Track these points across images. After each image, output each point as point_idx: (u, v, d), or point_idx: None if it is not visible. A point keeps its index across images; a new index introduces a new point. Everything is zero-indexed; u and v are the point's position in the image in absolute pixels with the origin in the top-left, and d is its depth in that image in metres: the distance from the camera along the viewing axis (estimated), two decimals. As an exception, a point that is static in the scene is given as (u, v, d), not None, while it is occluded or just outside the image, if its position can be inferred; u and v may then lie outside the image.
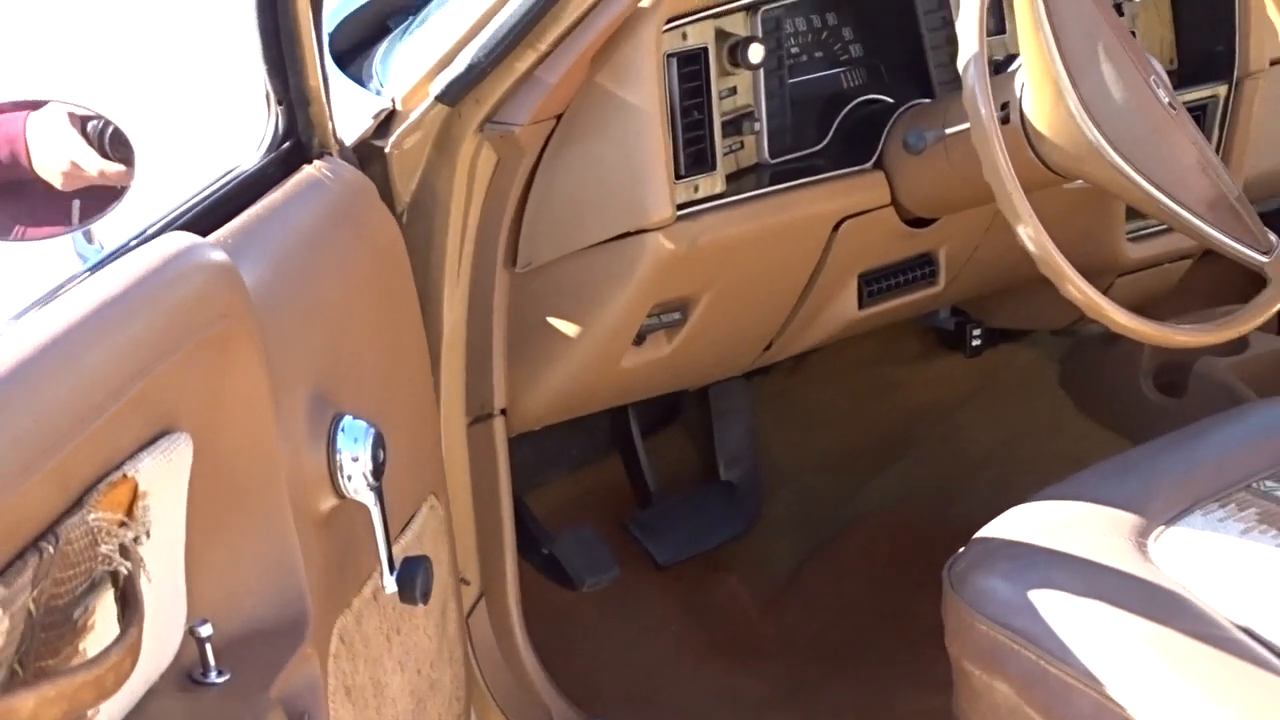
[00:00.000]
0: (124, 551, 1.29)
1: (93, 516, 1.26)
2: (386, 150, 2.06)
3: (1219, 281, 2.78)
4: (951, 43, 2.40)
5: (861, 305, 2.46)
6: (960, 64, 2.01)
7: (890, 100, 2.38)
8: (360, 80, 2.20)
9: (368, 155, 2.06)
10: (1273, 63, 2.63)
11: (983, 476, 2.97)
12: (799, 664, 2.72)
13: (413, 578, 1.73)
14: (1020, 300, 2.83)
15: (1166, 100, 2.13)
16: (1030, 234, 2.00)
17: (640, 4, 2.03)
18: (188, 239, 1.47)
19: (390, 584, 1.72)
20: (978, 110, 1.99)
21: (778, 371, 2.65)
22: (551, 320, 2.22)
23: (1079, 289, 2.03)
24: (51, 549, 1.21)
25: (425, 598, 1.74)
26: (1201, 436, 2.17)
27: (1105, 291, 2.51)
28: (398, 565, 1.73)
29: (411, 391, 2.00)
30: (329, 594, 1.67)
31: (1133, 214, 2.58)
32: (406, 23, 2.32)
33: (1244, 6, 2.57)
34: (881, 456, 3.05)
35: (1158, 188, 2.06)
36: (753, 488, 2.96)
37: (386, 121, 2.08)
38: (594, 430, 2.73)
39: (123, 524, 1.31)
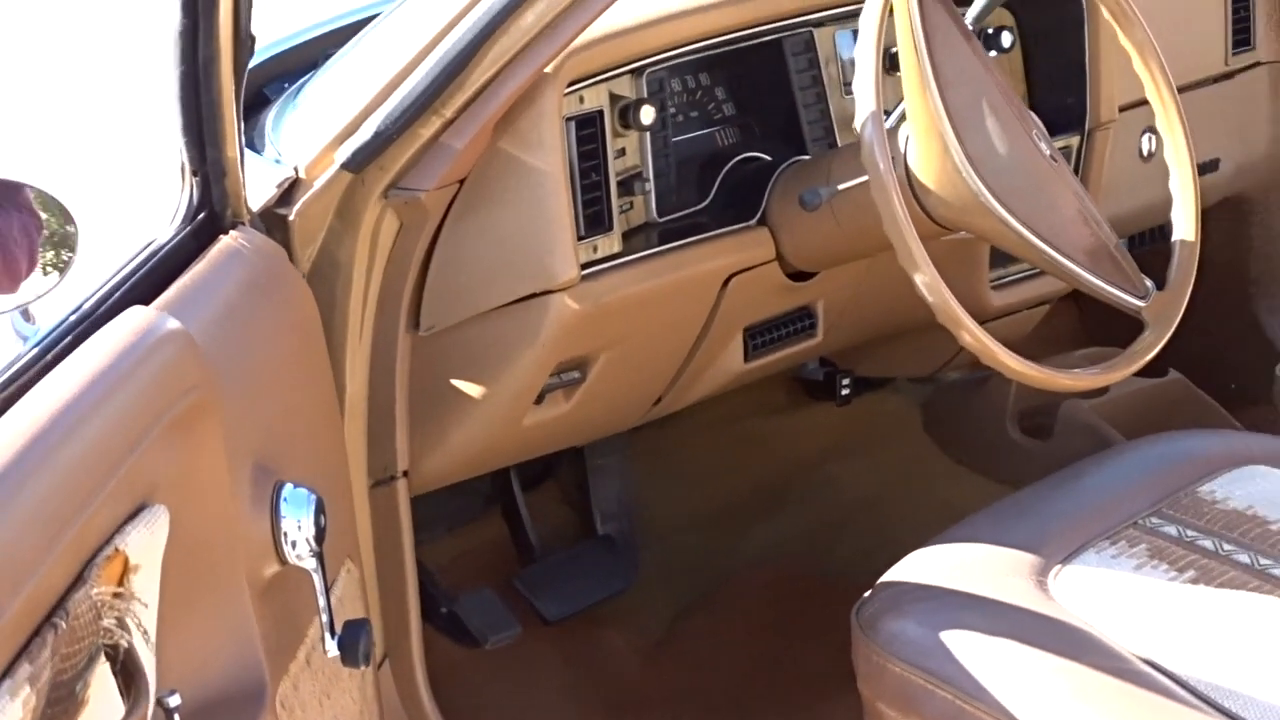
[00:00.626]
0: (121, 624, 1.31)
1: (95, 591, 1.27)
2: (290, 218, 2.07)
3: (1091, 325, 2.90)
4: (822, 100, 2.49)
5: (747, 358, 2.51)
6: (857, 121, 2.06)
7: (768, 158, 2.44)
8: (250, 148, 2.20)
9: (270, 224, 2.07)
10: (1121, 109, 2.73)
11: (856, 525, 3.03)
12: (682, 716, 2.76)
13: (355, 641, 1.74)
14: (887, 349, 2.90)
15: (1048, 153, 2.21)
16: (928, 282, 2.06)
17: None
18: (152, 314, 1.48)
19: (332, 648, 1.74)
20: (876, 165, 2.05)
21: (649, 427, 2.69)
22: (455, 382, 2.24)
23: (974, 335, 2.10)
24: (64, 624, 1.22)
25: (368, 660, 1.75)
26: (1084, 477, 2.25)
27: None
28: (338, 629, 1.75)
29: (328, 456, 2.02)
30: (272, 661, 1.68)
31: (995, 263, 2.66)
32: (289, 91, 2.33)
33: (1094, 60, 2.67)
34: (756, 509, 3.10)
35: (1040, 238, 2.14)
36: (631, 542, 3.00)
37: (289, 190, 2.08)
38: (471, 490, 2.75)
39: (117, 596, 1.32)
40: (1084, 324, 3.40)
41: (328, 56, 2.34)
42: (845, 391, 3.02)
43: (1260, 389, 3.18)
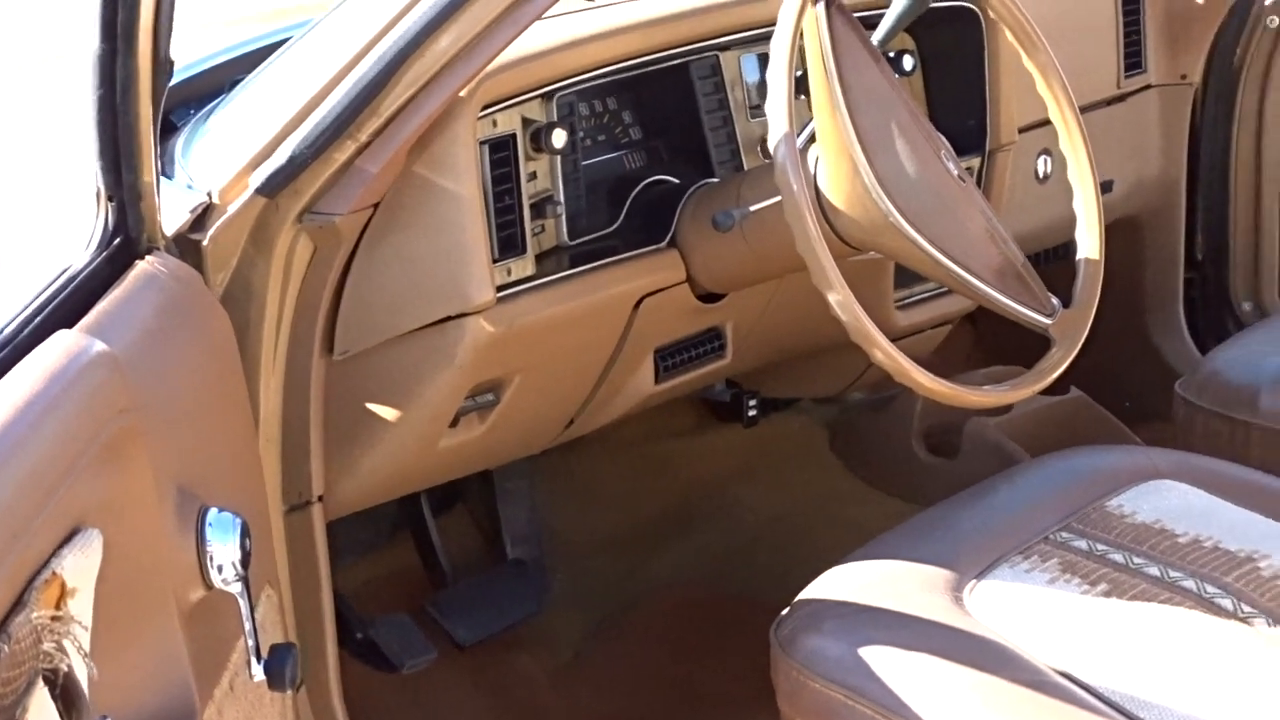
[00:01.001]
0: (60, 648, 1.30)
1: (34, 615, 1.26)
2: (204, 244, 2.06)
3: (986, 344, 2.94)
4: (728, 124, 2.51)
5: (658, 380, 2.52)
6: (771, 142, 2.08)
7: (676, 181, 2.46)
8: (161, 174, 2.19)
9: (183, 249, 2.06)
10: (1021, 130, 2.78)
11: (764, 545, 3.05)
12: (593, 739, 2.77)
13: (282, 665, 1.74)
14: (793, 370, 2.92)
15: (956, 173, 2.24)
16: (841, 301, 2.08)
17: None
18: (80, 338, 1.48)
19: (258, 672, 1.73)
20: (790, 185, 2.07)
21: (557, 450, 2.70)
22: (370, 406, 2.24)
23: (887, 353, 2.12)
24: (5, 648, 1.21)
25: (294, 684, 1.75)
26: (994, 494, 2.28)
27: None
28: (263, 654, 1.74)
29: (248, 481, 2.01)
30: (198, 687, 1.68)
31: (899, 283, 2.69)
32: (198, 116, 2.33)
33: (994, 83, 2.71)
34: (664, 531, 3.11)
35: (950, 258, 2.17)
36: (541, 566, 3.00)
37: (203, 215, 2.07)
38: (380, 515, 2.75)
39: (56, 619, 1.31)
40: (979, 344, 3.45)
41: (234, 83, 2.33)
42: (752, 413, 3.04)
43: (1156, 406, 3.23)
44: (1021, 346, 2.64)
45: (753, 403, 3.04)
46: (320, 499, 2.25)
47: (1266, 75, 3.45)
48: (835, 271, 2.07)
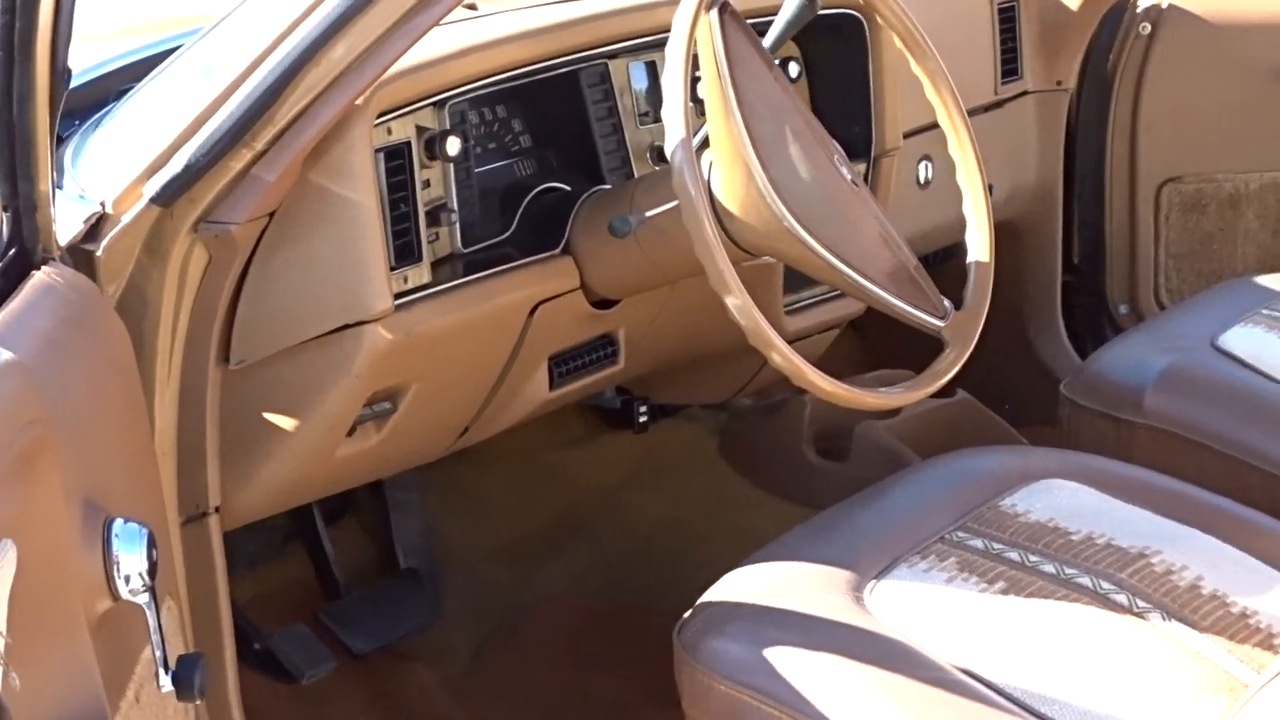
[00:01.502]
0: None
1: (-48, 627, 1.25)
2: (97, 254, 2.04)
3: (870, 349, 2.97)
4: (617, 131, 2.52)
5: (552, 386, 2.52)
6: (668, 148, 2.09)
7: (567, 188, 2.47)
8: (49, 183, 2.17)
9: (75, 260, 2.04)
10: (906, 135, 2.81)
11: (656, 552, 3.06)
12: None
13: (190, 675, 1.72)
14: (682, 376, 2.94)
15: (849, 178, 2.26)
16: (739, 305, 2.09)
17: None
18: (-8, 349, 1.46)
19: (166, 683, 1.72)
20: (688, 190, 2.08)
21: (448, 460, 2.69)
22: (267, 416, 2.22)
23: (785, 356, 2.13)
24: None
25: (203, 693, 1.73)
26: (890, 495, 2.30)
27: (765, 363, 2.65)
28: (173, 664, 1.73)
29: (150, 492, 1.99)
30: (107, 699, 1.66)
31: (787, 288, 2.71)
32: (86, 126, 2.30)
33: (879, 89, 2.74)
34: (556, 539, 3.11)
35: (843, 261, 2.19)
36: (434, 575, 3.00)
37: (96, 225, 2.05)
38: (272, 526, 2.73)
39: (-27, 632, 1.29)
40: (863, 349, 3.48)
41: (121, 93, 2.31)
42: (642, 419, 3.05)
43: (1036, 408, 3.27)
44: (906, 351, 2.68)
45: (643, 409, 3.04)
46: (217, 510, 2.23)
47: (1140, 80, 3.51)
48: (733, 276, 2.08)
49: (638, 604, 2.88)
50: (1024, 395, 3.37)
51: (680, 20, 2.11)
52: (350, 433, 2.29)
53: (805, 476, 3.08)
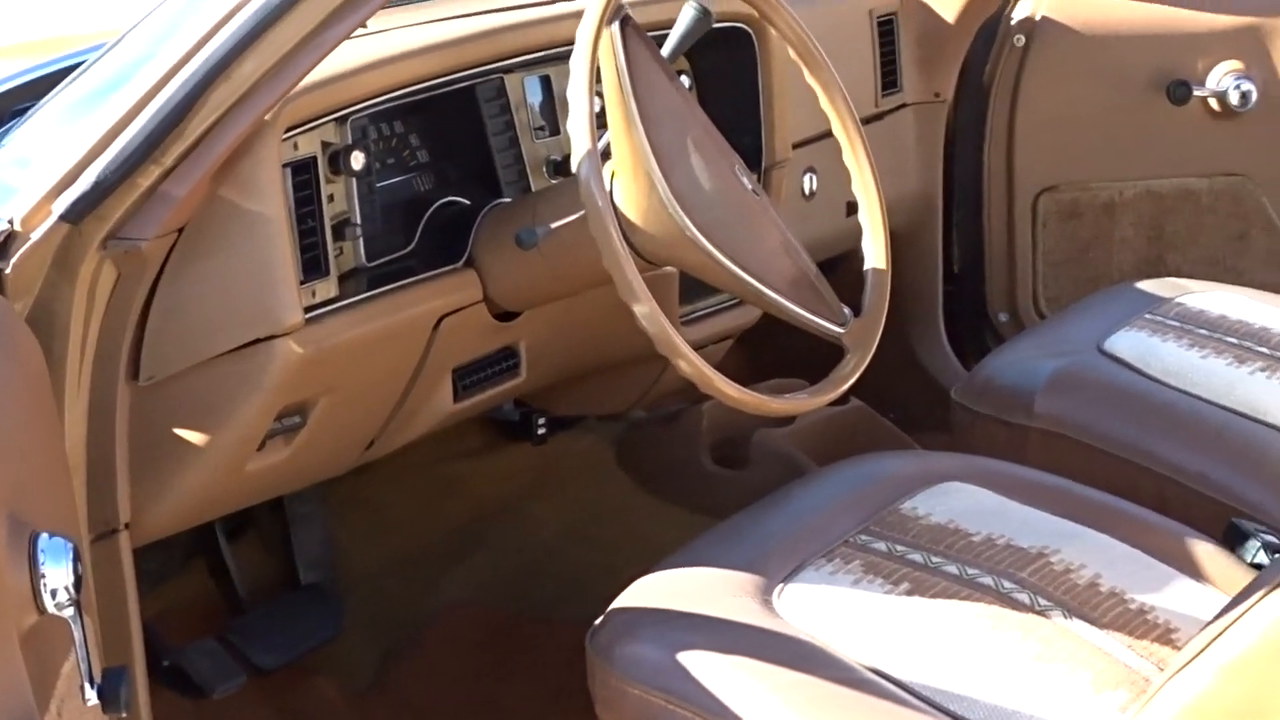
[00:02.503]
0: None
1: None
2: (5, 271, 2.03)
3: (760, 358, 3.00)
4: (515, 145, 2.54)
5: (456, 399, 2.54)
6: (574, 160, 2.12)
7: (467, 202, 2.48)
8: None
9: None
10: (797, 145, 2.85)
11: (558, 562, 3.07)
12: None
13: (116, 688, 1.72)
14: (580, 388, 2.96)
15: (750, 187, 2.29)
16: (647, 313, 2.11)
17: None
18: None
19: (92, 697, 1.72)
20: (595, 200, 2.10)
21: (346, 474, 2.70)
22: (178, 431, 2.22)
23: (692, 364, 2.16)
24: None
25: (129, 707, 1.73)
26: (793, 500, 2.33)
27: (662, 373, 2.69)
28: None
29: (69, 506, 1.99)
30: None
31: (683, 299, 2.74)
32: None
33: (768, 101, 2.78)
34: (457, 550, 3.12)
35: (745, 270, 2.22)
36: (336, 589, 3.00)
37: (4, 242, 2.04)
38: (173, 543, 2.72)
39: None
40: (748, 360, 3.51)
41: (18, 112, 2.30)
42: (541, 431, 3.06)
43: (923, 416, 3.33)
44: (792, 361, 2.72)
45: (542, 421, 3.06)
46: (127, 526, 2.23)
47: (1015, 91, 3.57)
48: (641, 284, 2.11)
49: (541, 614, 2.89)
50: (909, 404, 3.42)
51: (583, 33, 2.13)
52: (260, 447, 2.29)
53: (703, 485, 3.11)
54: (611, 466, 3.24)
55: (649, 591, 2.15)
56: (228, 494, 2.36)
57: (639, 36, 2.21)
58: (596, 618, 2.13)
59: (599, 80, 2.16)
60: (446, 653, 2.94)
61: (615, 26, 2.15)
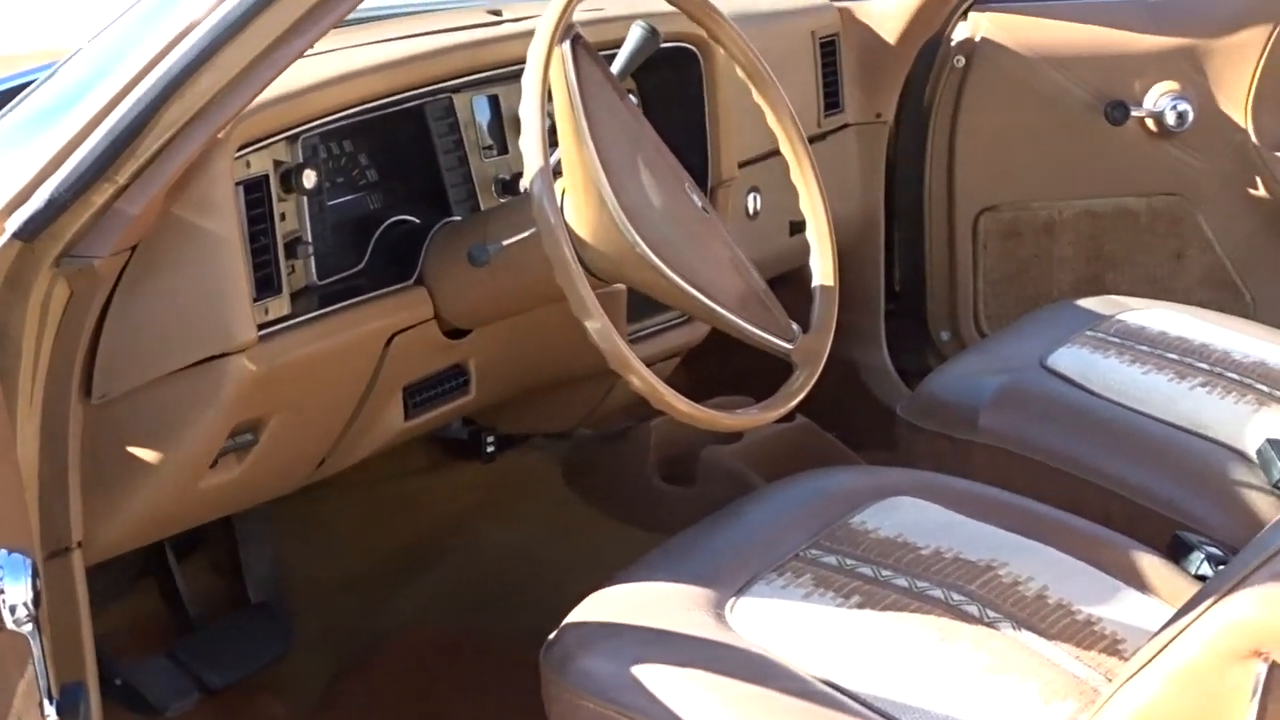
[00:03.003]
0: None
1: None
2: None
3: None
4: (464, 164, 2.55)
5: (407, 416, 2.54)
6: (526, 177, 2.13)
7: (417, 220, 2.49)
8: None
9: None
10: (741, 165, 2.87)
11: (506, 580, 3.08)
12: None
13: (75, 703, 1.73)
14: (528, 406, 2.96)
15: (700, 205, 2.31)
16: (600, 329, 2.13)
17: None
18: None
19: (52, 713, 1.72)
20: (547, 217, 2.11)
21: (295, 492, 2.70)
22: (131, 449, 2.22)
23: (644, 380, 2.17)
24: None
25: (88, 722, 1.74)
26: (744, 516, 2.35)
27: (610, 391, 2.70)
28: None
29: (22, 524, 1.98)
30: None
31: (630, 317, 2.75)
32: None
33: (714, 120, 2.80)
34: (406, 569, 3.12)
35: (695, 287, 2.23)
36: (285, 608, 3.00)
37: (-43, 262, 2.04)
38: (122, 562, 2.71)
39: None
40: (690, 377, 3.53)
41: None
42: (490, 449, 3.07)
43: (866, 434, 3.35)
44: (735, 379, 2.74)
45: (490, 439, 3.07)
46: (79, 544, 2.22)
47: (955, 112, 3.61)
48: (594, 301, 2.12)
49: (489, 631, 2.90)
50: (852, 421, 3.44)
51: (535, 52, 2.15)
52: (213, 465, 2.29)
53: (651, 502, 3.13)
54: (559, 484, 3.25)
55: (602, 606, 2.16)
56: (180, 512, 2.36)
57: (590, 55, 2.23)
58: (546, 634, 2.14)
59: (550, 99, 2.17)
60: (395, 670, 2.94)
61: (566, 45, 2.17)
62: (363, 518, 3.18)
